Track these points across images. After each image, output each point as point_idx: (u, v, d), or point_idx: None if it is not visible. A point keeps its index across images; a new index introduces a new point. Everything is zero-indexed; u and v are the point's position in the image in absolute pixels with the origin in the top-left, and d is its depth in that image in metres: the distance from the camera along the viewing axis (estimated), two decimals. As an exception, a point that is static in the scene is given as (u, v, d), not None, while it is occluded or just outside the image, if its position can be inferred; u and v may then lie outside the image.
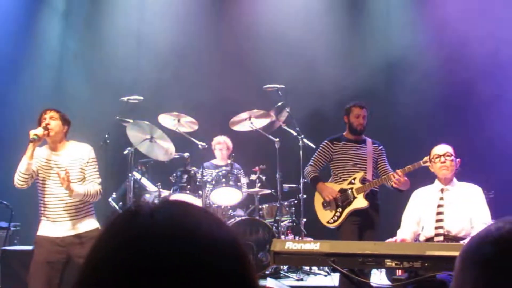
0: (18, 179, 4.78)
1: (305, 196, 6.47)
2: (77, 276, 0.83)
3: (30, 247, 6.75)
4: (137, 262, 0.78)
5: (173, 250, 0.79)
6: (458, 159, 4.78)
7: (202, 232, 0.83)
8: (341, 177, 5.65)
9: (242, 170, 7.22)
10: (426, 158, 4.97)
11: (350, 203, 5.50)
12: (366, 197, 5.48)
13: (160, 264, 0.78)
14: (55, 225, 4.74)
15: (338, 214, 5.53)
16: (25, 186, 4.81)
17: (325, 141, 5.82)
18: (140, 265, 0.78)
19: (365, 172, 5.58)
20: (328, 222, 5.59)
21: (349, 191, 5.52)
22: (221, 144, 7.41)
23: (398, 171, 5.19)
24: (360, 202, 5.46)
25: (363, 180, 5.53)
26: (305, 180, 6.12)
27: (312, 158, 5.87)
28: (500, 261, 0.92)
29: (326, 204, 5.63)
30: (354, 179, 5.54)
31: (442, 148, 4.79)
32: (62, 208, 4.71)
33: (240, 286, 0.82)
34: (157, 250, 0.79)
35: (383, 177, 5.53)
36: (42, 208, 4.86)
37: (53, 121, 4.77)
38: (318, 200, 5.72)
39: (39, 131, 4.68)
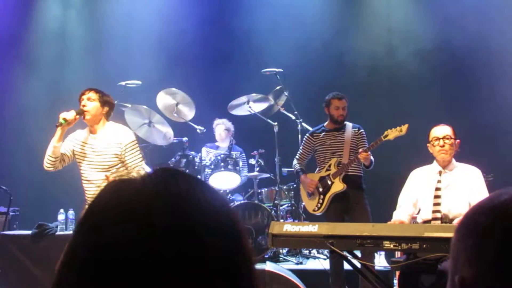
0: (46, 161, 4.71)
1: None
2: (67, 245, 0.81)
3: (29, 232, 6.80)
4: (127, 229, 0.75)
5: (165, 216, 0.76)
6: (457, 141, 4.70)
7: (196, 197, 0.81)
8: (323, 166, 5.88)
9: (243, 154, 7.24)
10: (386, 132, 5.27)
11: (329, 188, 5.77)
12: (345, 180, 5.68)
13: (150, 231, 0.75)
14: None
15: (320, 201, 5.83)
16: (52, 169, 4.74)
17: (307, 134, 6.11)
18: (129, 233, 0.75)
19: (340, 157, 5.77)
20: (313, 210, 5.91)
21: (327, 177, 5.78)
22: (220, 125, 7.40)
23: (360, 151, 5.48)
24: (337, 186, 5.73)
25: (338, 164, 5.75)
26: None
27: (298, 152, 6.15)
28: (492, 230, 0.92)
29: (310, 194, 5.92)
30: (330, 165, 5.82)
31: (441, 130, 4.68)
32: None
33: (234, 262, 0.80)
34: (148, 217, 0.76)
35: (349, 159, 5.70)
36: (84, 194, 4.79)
37: (90, 103, 4.66)
38: (303, 191, 6.07)
39: (70, 114, 4.58)
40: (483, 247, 0.92)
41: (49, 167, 4.72)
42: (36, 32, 8.89)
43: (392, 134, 5.29)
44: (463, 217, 1.00)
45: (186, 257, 0.75)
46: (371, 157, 5.61)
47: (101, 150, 4.66)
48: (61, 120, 4.56)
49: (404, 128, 5.23)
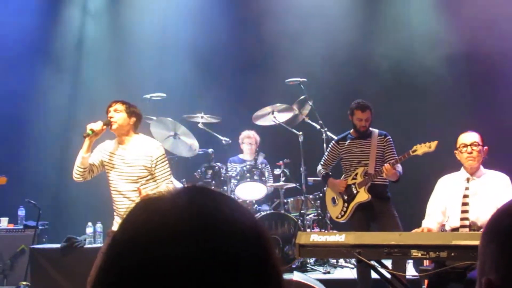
0: (75, 172, 4.77)
1: (330, 189, 6.49)
2: (99, 264, 0.82)
3: (58, 245, 6.93)
4: (157, 247, 0.77)
5: (195, 237, 0.78)
6: (485, 147, 4.67)
7: (224, 217, 0.82)
8: (349, 174, 5.91)
9: (268, 165, 7.27)
10: (415, 147, 5.26)
11: (354, 197, 5.81)
12: (370, 190, 5.70)
13: (179, 249, 0.76)
14: None
15: (344, 209, 5.88)
16: (81, 179, 4.79)
17: (333, 141, 6.17)
18: (159, 250, 0.76)
19: (366, 165, 5.78)
20: (337, 217, 6.00)
21: (352, 186, 5.81)
22: (251, 138, 7.43)
23: (385, 165, 5.46)
24: (362, 196, 5.76)
25: (365, 174, 5.76)
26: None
27: (323, 158, 6.18)
28: None
29: (334, 200, 6.00)
30: (356, 174, 5.83)
31: (469, 137, 4.67)
32: (129, 205, 4.61)
33: (262, 275, 0.81)
34: (177, 236, 0.78)
35: (376, 171, 5.71)
36: (113, 204, 4.85)
37: (117, 114, 4.73)
38: (328, 197, 6.15)
39: (97, 125, 4.66)
40: (508, 250, 0.92)
41: (78, 178, 4.78)
42: (60, 40, 8.99)
43: (421, 149, 5.29)
44: (488, 220, 1.01)
45: (217, 275, 0.76)
46: (399, 169, 5.62)
47: (131, 162, 4.72)
48: (88, 131, 4.64)
49: (433, 144, 5.24)
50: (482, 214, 4.48)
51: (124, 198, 4.72)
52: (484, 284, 0.94)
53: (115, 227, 4.81)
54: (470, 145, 4.64)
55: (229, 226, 0.81)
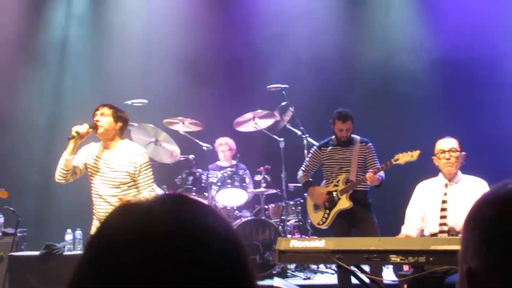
0: (57, 174, 4.77)
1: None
2: (71, 273, 0.83)
3: (37, 252, 6.88)
4: (132, 255, 0.78)
5: (169, 242, 0.79)
6: (463, 153, 4.73)
7: (201, 225, 0.83)
8: (330, 180, 5.95)
9: (247, 171, 7.29)
10: (397, 156, 5.37)
11: (335, 204, 5.86)
12: (351, 197, 5.77)
13: (155, 257, 0.77)
14: None
15: (326, 215, 5.92)
16: (63, 181, 4.80)
17: (314, 147, 6.18)
18: (134, 259, 0.77)
19: (348, 172, 5.84)
20: (318, 224, 6.04)
21: (334, 193, 5.87)
22: (223, 145, 7.47)
23: (368, 174, 5.55)
24: (344, 203, 5.82)
25: (346, 181, 5.82)
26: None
27: (304, 163, 6.19)
28: (499, 221, 0.93)
29: (316, 207, 6.04)
30: (338, 181, 5.89)
31: (446, 143, 4.72)
32: (107, 210, 4.64)
33: (235, 283, 0.81)
34: (153, 243, 0.78)
35: (357, 179, 5.79)
36: (93, 207, 4.84)
37: (103, 118, 4.73)
38: (309, 203, 6.17)
39: (83, 128, 4.66)
40: (490, 239, 0.93)
41: (61, 180, 4.78)
42: (44, 41, 8.92)
43: (403, 158, 5.39)
44: (471, 208, 1.01)
45: (189, 282, 0.77)
46: (382, 174, 5.70)
47: (115, 167, 4.73)
48: (73, 133, 4.64)
49: (416, 154, 5.33)
50: (460, 219, 4.49)
51: (105, 202, 4.73)
52: (465, 272, 0.95)
53: (93, 231, 4.80)
54: (448, 151, 4.69)
55: (203, 232, 0.82)
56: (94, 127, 4.72)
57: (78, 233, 6.99)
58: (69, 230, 6.94)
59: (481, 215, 0.96)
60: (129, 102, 7.12)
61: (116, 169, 4.73)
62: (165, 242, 0.78)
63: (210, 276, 0.79)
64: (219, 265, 0.80)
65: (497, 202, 0.95)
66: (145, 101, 7.26)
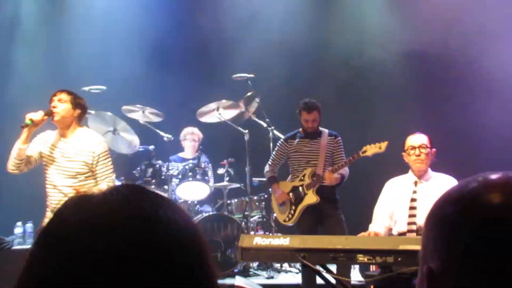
0: (10, 164, 4.64)
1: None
2: (21, 268, 0.81)
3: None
4: (83, 246, 0.76)
5: (127, 234, 0.77)
6: (433, 150, 4.69)
7: (160, 217, 0.81)
8: (296, 174, 5.86)
9: (210, 164, 7.20)
10: (364, 148, 5.30)
11: (301, 200, 5.76)
12: (318, 192, 5.67)
13: (111, 250, 0.76)
14: None
15: (292, 211, 5.83)
16: (16, 172, 4.67)
17: (281, 140, 6.11)
18: (85, 249, 0.76)
19: (315, 166, 5.74)
20: (284, 221, 5.91)
21: (300, 188, 5.77)
22: (194, 135, 7.33)
23: (326, 172, 5.54)
24: (310, 198, 5.72)
25: (313, 176, 5.72)
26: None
27: (271, 157, 6.12)
28: (460, 221, 0.91)
29: (281, 203, 5.91)
30: (304, 175, 5.79)
31: (417, 139, 4.68)
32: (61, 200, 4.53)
33: (192, 278, 0.81)
34: (109, 236, 0.77)
35: (325, 170, 5.71)
36: (47, 199, 4.73)
37: (61, 104, 4.59)
38: (274, 200, 6.05)
39: (37, 115, 4.52)
40: (451, 239, 0.92)
41: (14, 170, 4.66)
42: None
43: (370, 150, 5.32)
44: (432, 206, 0.99)
45: (140, 277, 0.76)
46: (344, 172, 5.65)
47: (71, 156, 4.63)
48: (27, 121, 4.51)
49: (384, 145, 5.27)
50: (429, 218, 4.45)
51: (60, 193, 4.63)
52: (425, 272, 0.94)
53: (45, 223, 4.60)
54: (418, 147, 4.65)
55: (162, 224, 0.81)
56: (50, 114, 4.60)
57: (29, 226, 6.78)
58: (19, 223, 6.74)
59: (442, 213, 0.95)
60: (86, 88, 6.99)
61: (73, 159, 4.63)
62: (122, 233, 0.77)
63: (169, 269, 0.78)
64: (179, 259, 0.80)
65: (460, 201, 0.94)
66: (104, 87, 7.14)
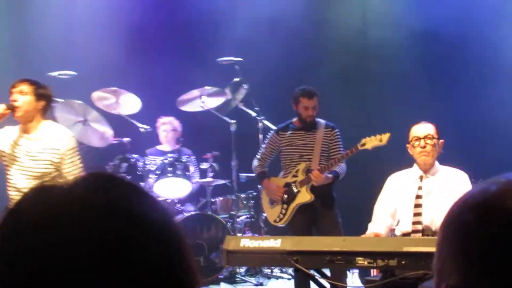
0: None
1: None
2: None
3: None
4: (46, 238, 0.76)
5: (96, 226, 0.77)
6: (441, 141, 4.68)
7: (133, 208, 0.81)
8: (289, 170, 5.84)
9: (192, 157, 7.20)
10: (363, 141, 5.27)
11: (294, 198, 5.75)
12: (313, 190, 5.64)
13: (72, 240, 0.76)
14: None
15: (283, 211, 5.80)
16: None
17: (272, 131, 6.08)
18: (48, 241, 0.76)
19: (310, 161, 5.73)
20: (275, 221, 5.88)
21: (293, 185, 5.76)
22: (166, 124, 7.36)
23: (313, 172, 5.49)
24: (304, 196, 5.68)
25: (307, 171, 5.69)
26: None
27: (260, 151, 6.09)
28: (481, 229, 0.90)
29: (272, 201, 5.90)
30: (297, 171, 5.77)
31: (422, 129, 4.66)
32: None
33: (169, 280, 0.80)
34: (74, 227, 0.77)
35: (320, 165, 5.69)
36: (9, 203, 4.65)
37: (22, 97, 4.52)
38: (264, 197, 6.02)
39: None
40: (470, 249, 0.90)
41: None
42: None
43: (370, 143, 5.32)
44: (449, 210, 0.97)
45: (104, 272, 0.75)
46: (340, 169, 5.64)
47: (35, 155, 4.60)
48: None
49: (385, 137, 5.26)
50: (437, 217, 4.46)
51: None
52: None
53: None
54: (424, 138, 4.63)
55: (135, 216, 0.81)
56: (12, 108, 4.54)
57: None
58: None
59: (463, 221, 0.93)
60: (54, 74, 6.98)
61: (37, 157, 4.60)
62: (90, 225, 0.77)
63: (143, 269, 0.77)
64: (150, 250, 0.79)
65: (481, 207, 0.92)
66: (74, 73, 7.14)
